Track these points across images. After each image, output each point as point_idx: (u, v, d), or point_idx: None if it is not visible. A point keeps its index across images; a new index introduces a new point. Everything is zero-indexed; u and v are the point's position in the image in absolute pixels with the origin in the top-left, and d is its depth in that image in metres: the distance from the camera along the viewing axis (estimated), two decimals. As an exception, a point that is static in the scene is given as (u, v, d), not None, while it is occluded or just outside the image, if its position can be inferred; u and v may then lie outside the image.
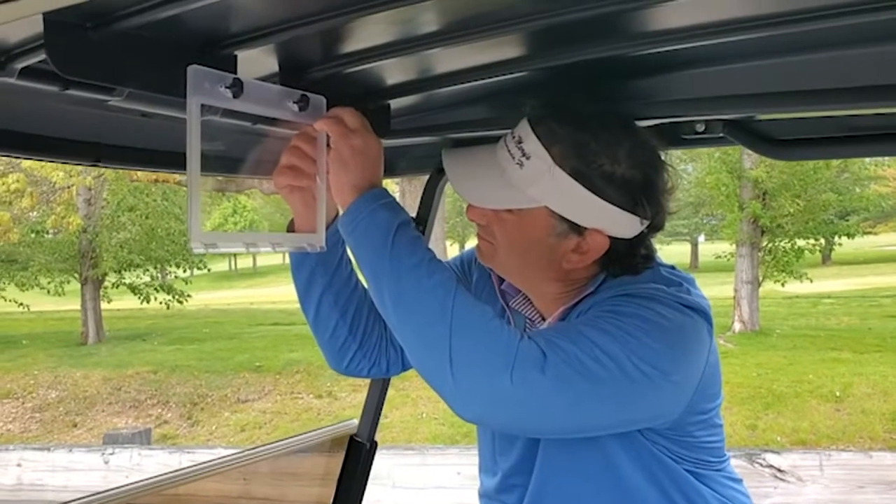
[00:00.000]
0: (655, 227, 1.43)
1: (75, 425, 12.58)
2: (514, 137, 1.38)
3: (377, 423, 2.21)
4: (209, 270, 23.20)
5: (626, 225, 1.38)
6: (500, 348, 1.19)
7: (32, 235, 17.58)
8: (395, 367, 1.68)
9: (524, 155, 1.35)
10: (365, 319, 1.59)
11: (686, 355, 1.32)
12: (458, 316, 1.21)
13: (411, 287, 1.24)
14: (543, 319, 1.52)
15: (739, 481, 1.53)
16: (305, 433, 2.18)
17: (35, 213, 16.95)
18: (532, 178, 1.34)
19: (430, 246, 2.05)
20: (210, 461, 1.95)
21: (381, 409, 2.19)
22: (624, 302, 1.33)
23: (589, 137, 1.33)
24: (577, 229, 1.37)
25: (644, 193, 1.36)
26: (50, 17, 0.99)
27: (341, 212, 1.35)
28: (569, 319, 1.42)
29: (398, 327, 1.27)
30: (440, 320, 1.20)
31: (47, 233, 17.59)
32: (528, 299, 1.55)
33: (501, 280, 1.57)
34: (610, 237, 1.38)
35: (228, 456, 1.99)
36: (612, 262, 1.42)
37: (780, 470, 7.02)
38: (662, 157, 1.42)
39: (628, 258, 1.42)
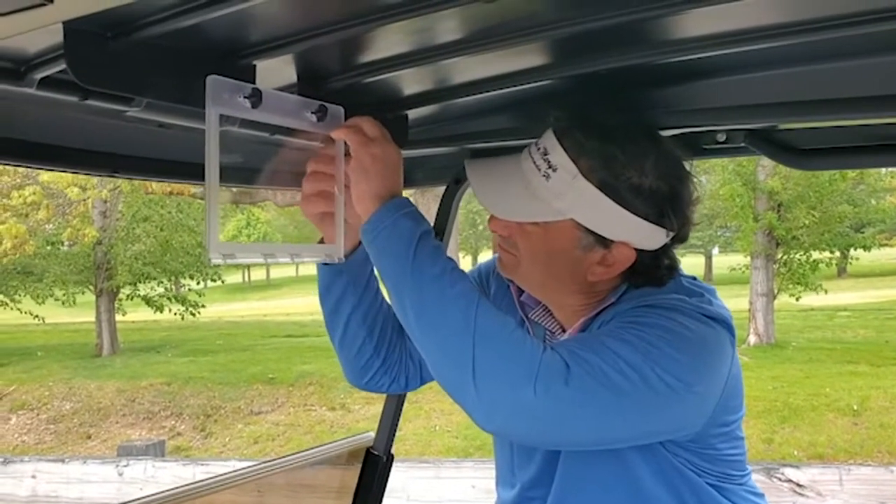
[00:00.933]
0: (681, 238, 1.41)
1: (89, 437, 12.61)
2: (539, 149, 1.36)
3: (394, 436, 2.20)
4: (223, 282, 23.23)
5: (652, 237, 1.36)
6: (523, 359, 1.18)
7: (48, 248, 17.68)
8: (413, 381, 1.67)
9: (550, 167, 1.33)
10: (389, 335, 1.59)
11: (709, 366, 1.30)
12: (480, 326, 1.19)
13: (434, 297, 1.23)
14: (563, 331, 1.51)
15: (762, 496, 1.51)
16: (321, 445, 2.17)
17: (51, 225, 17.05)
18: (559, 191, 1.33)
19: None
20: (226, 473, 1.93)
21: (397, 422, 2.18)
22: (646, 312, 1.31)
23: (616, 149, 1.32)
24: (604, 242, 1.36)
25: (671, 205, 1.35)
26: (70, 27, 0.99)
27: (363, 220, 1.34)
28: (590, 330, 1.40)
29: (420, 338, 1.26)
30: (463, 331, 1.19)
31: (63, 245, 17.69)
32: (548, 311, 1.53)
33: (521, 291, 1.56)
34: (636, 249, 1.37)
35: (245, 468, 1.98)
36: (637, 274, 1.40)
37: (798, 485, 6.94)
38: (687, 168, 1.40)
39: (653, 269, 1.40)
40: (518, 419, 1.19)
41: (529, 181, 1.36)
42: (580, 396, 1.18)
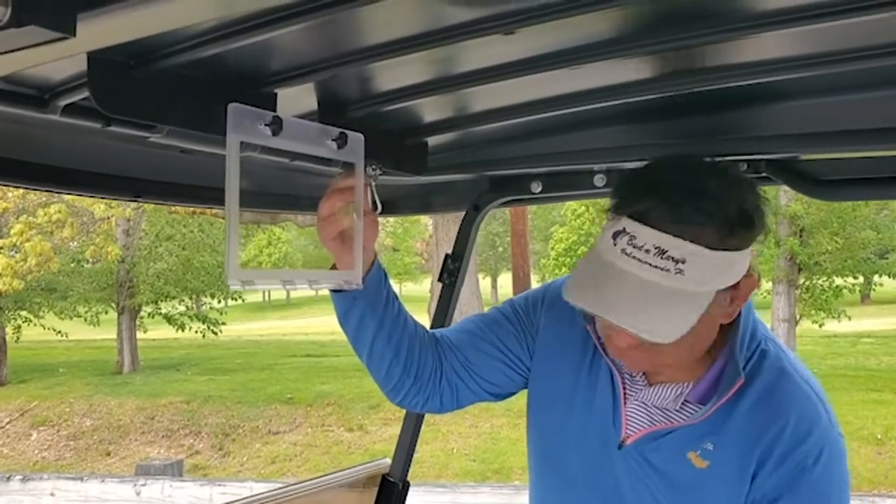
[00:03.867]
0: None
1: (108, 454, 12.65)
2: (649, 251, 1.24)
3: (410, 463, 2.18)
4: (244, 301, 23.33)
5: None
6: None
7: (72, 265, 17.82)
8: (448, 404, 1.61)
9: (677, 262, 1.23)
10: (418, 355, 1.55)
11: None
12: None
13: None
14: (645, 377, 1.45)
15: None
16: (338, 471, 2.16)
17: (75, 242, 17.17)
18: (699, 279, 1.24)
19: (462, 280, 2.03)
20: (243, 497, 1.93)
21: (414, 449, 2.16)
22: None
23: (714, 204, 1.25)
24: (735, 284, 1.31)
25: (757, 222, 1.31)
26: (94, 56, 1.00)
27: None
28: (735, 412, 1.39)
29: None
30: None
31: (87, 262, 17.83)
32: None
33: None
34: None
35: (261, 493, 1.97)
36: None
37: (820, 514, 6.83)
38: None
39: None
40: None
41: (665, 287, 1.24)
42: None
